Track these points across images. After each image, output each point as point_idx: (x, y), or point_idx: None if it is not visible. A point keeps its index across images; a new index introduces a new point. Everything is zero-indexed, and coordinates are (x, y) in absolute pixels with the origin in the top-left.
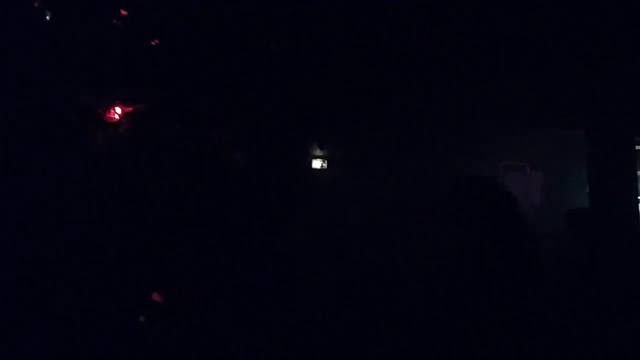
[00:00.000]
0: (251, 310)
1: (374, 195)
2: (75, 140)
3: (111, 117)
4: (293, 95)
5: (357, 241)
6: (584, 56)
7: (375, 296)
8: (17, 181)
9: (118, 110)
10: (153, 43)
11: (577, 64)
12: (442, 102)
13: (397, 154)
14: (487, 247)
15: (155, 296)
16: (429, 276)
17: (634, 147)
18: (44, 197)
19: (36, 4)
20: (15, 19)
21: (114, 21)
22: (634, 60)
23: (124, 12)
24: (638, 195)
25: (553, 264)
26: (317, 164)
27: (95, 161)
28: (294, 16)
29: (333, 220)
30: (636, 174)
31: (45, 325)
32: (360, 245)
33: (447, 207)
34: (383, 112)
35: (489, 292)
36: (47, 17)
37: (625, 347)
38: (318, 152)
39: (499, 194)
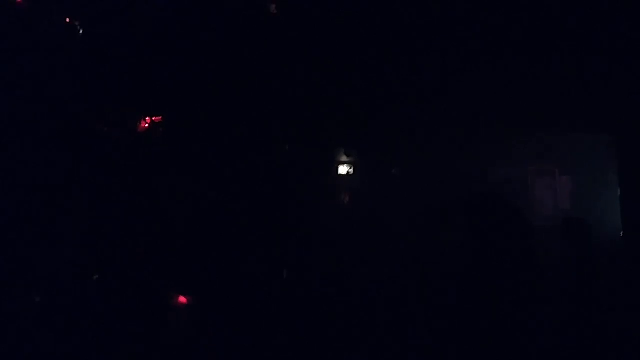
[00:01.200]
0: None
1: (399, 199)
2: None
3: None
4: (321, 105)
5: (380, 242)
6: (615, 61)
7: (398, 295)
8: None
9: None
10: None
11: (608, 69)
12: (471, 108)
13: (423, 160)
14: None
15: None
16: (446, 278)
17: None
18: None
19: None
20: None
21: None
22: None
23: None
24: None
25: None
26: (343, 169)
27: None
28: (320, 28)
29: (358, 222)
30: None
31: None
32: (385, 246)
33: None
34: (409, 119)
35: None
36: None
37: None
38: (344, 159)
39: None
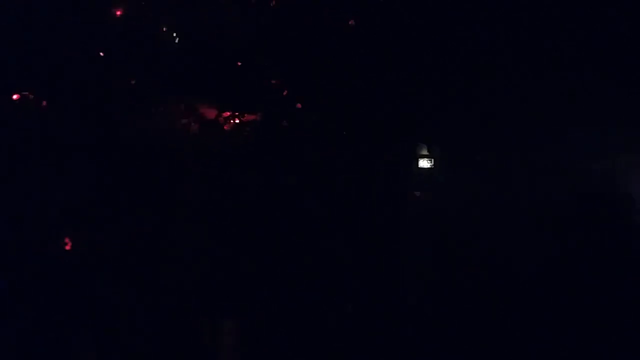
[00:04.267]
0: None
1: (481, 194)
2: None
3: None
4: (402, 99)
5: (464, 238)
6: None
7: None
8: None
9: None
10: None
11: None
12: (560, 98)
13: (510, 152)
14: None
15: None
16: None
17: None
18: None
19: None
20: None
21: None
22: None
23: None
24: None
25: None
26: (424, 163)
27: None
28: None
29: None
30: None
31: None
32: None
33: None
34: (494, 111)
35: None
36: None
37: None
38: (425, 152)
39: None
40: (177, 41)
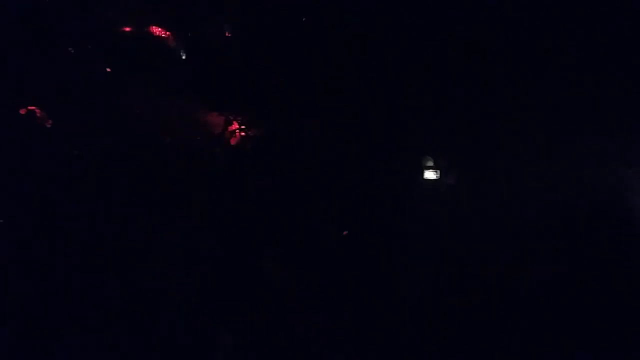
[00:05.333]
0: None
1: (487, 204)
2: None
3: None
4: (408, 113)
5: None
6: None
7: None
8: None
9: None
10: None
11: None
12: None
13: (517, 161)
14: None
15: None
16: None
17: None
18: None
19: (172, 44)
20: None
21: None
22: None
23: None
24: None
25: None
26: (429, 174)
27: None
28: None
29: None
30: None
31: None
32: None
33: None
34: (501, 120)
35: None
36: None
37: None
38: (430, 163)
39: None
40: (184, 57)
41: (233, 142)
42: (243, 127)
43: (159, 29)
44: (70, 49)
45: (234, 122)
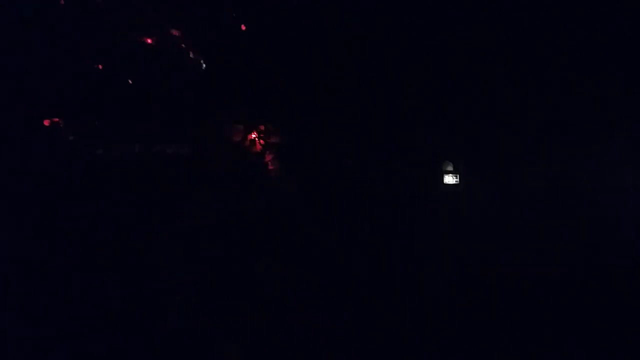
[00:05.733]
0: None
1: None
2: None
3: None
4: (428, 117)
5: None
6: None
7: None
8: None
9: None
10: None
11: None
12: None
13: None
14: None
15: None
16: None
17: None
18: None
19: (192, 55)
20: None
21: None
22: None
23: None
24: None
25: None
26: (449, 179)
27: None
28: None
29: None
30: None
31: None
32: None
33: None
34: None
35: None
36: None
37: None
38: (450, 168)
39: None
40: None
41: (252, 150)
42: (262, 135)
43: (180, 38)
44: (88, 57)
45: (254, 130)
